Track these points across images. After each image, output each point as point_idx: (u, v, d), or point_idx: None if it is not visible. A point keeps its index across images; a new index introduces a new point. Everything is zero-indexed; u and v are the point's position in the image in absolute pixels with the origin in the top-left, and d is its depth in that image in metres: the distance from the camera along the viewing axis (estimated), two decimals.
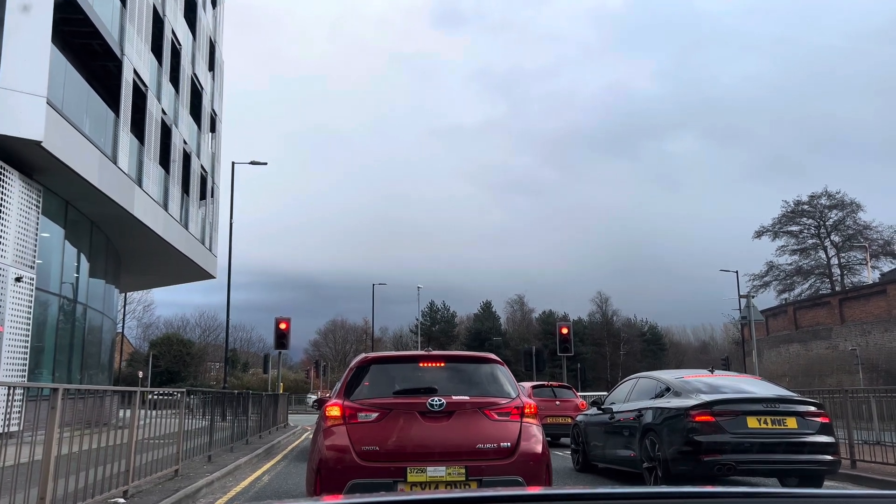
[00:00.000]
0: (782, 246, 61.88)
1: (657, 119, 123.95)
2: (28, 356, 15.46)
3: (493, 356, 7.04)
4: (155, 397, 10.44)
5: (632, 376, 11.96)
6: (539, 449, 6.20)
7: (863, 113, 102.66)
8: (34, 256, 15.85)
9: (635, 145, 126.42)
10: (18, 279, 15.03)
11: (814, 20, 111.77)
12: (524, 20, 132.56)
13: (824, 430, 8.95)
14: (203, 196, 30.96)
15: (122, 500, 7.92)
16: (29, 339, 15.51)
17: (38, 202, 16.08)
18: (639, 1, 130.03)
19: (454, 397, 6.21)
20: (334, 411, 6.23)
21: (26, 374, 15.31)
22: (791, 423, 8.79)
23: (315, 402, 23.24)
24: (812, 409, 9.07)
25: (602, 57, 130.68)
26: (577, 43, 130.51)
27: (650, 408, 9.73)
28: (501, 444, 6.07)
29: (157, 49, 23.69)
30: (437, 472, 5.86)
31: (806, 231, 61.73)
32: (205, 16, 31.04)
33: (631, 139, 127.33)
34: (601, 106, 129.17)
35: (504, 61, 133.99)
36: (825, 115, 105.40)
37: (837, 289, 54.57)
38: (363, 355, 7.07)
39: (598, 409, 11.60)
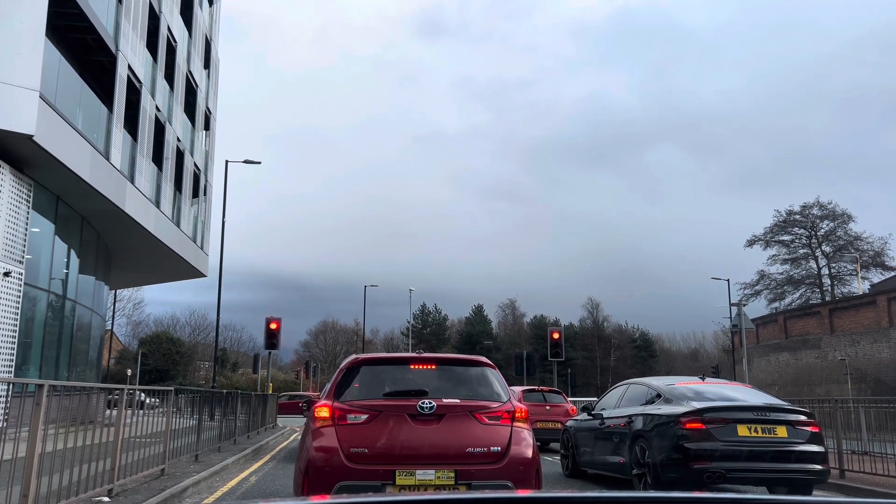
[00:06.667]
0: (774, 255, 62.23)
1: (636, 130, 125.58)
2: (15, 352, 15.32)
3: (484, 359, 6.99)
4: (142, 399, 10.35)
5: (622, 382, 11.94)
6: (529, 454, 6.15)
7: (837, 127, 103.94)
8: (23, 251, 15.71)
9: (616, 155, 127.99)
10: (7, 274, 14.90)
11: (789, 36, 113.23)
12: (505, 32, 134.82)
13: (814, 439, 8.94)
14: (196, 194, 30.79)
15: (107, 499, 7.84)
16: (16, 334, 15.37)
17: (29, 197, 15.95)
18: (616, 16, 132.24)
19: (445, 400, 6.15)
20: (323, 412, 6.16)
21: (13, 370, 15.17)
22: (781, 431, 8.79)
23: (304, 402, 23.15)
24: (802, 417, 9.06)
25: (581, 69, 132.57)
26: (557, 55, 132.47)
27: (641, 414, 9.71)
28: (492, 448, 6.01)
29: (152, 45, 23.56)
30: (426, 475, 5.81)
31: (797, 241, 62.05)
32: (201, 13, 30.92)
33: (611, 149, 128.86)
34: (581, 116, 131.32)
35: (486, 71, 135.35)
36: (800, 128, 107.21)
37: (828, 298, 54.80)
38: (353, 356, 7.00)
39: (589, 414, 11.57)
